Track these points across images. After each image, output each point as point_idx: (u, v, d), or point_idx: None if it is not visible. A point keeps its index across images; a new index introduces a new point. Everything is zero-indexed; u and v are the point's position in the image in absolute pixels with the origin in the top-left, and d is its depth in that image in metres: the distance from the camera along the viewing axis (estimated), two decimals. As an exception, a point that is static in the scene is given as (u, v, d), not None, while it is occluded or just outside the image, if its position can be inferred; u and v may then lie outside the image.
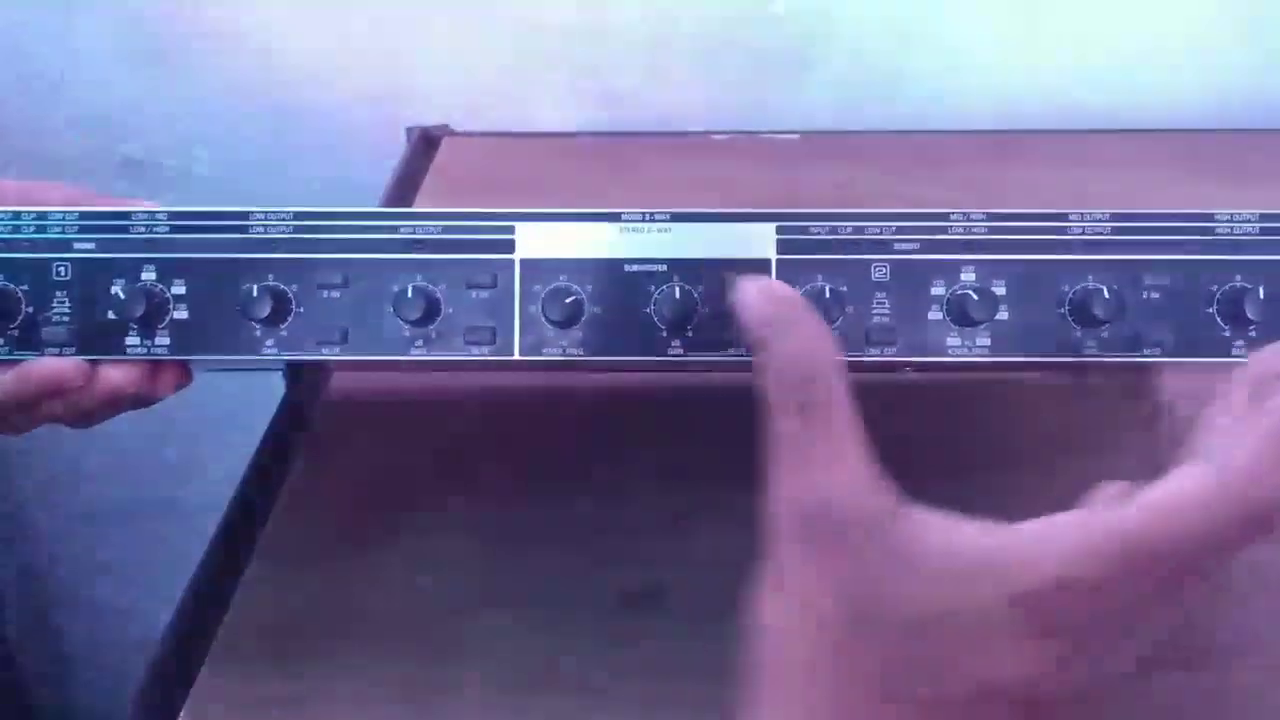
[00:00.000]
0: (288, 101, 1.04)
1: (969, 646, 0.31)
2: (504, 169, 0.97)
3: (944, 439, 0.63)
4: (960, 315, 0.43)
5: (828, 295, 0.42)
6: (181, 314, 0.44)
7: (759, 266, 0.43)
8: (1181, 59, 1.01)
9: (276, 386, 0.69)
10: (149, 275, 0.44)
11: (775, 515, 0.33)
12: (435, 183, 0.94)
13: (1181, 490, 0.31)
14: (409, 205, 0.89)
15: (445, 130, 1.03)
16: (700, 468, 0.60)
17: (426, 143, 1.01)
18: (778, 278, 0.43)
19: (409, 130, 1.02)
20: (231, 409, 1.08)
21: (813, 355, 0.33)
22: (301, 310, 0.44)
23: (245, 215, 0.44)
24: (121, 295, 0.43)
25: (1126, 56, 1.01)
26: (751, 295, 0.34)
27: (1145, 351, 0.43)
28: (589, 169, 0.96)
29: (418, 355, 0.44)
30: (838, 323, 0.43)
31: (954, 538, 0.32)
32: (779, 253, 0.43)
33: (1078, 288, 0.43)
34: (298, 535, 0.58)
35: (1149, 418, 0.64)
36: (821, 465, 0.33)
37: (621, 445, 0.63)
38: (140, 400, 0.46)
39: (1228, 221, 0.43)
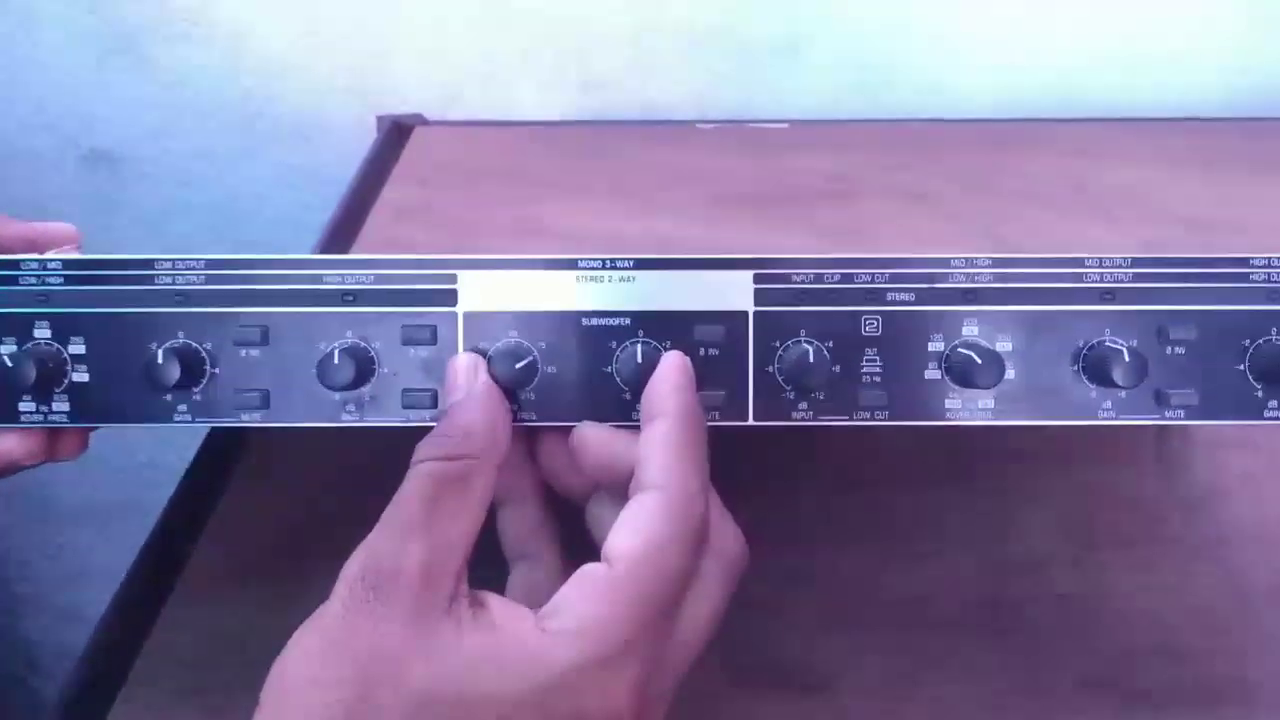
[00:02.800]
0: (258, 91, 1.01)
1: None
2: (478, 159, 0.93)
3: (942, 449, 0.59)
4: (961, 375, 0.38)
5: (811, 357, 0.37)
6: (81, 376, 0.39)
7: (735, 319, 0.39)
8: (1190, 44, 0.97)
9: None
10: (42, 333, 0.39)
11: (349, 562, 0.34)
12: (404, 174, 0.90)
13: (647, 534, 0.34)
14: (376, 197, 0.85)
15: (418, 119, 1.00)
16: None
17: (398, 132, 0.97)
18: (755, 332, 0.39)
19: (380, 119, 0.99)
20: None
21: (480, 439, 0.36)
22: (216, 371, 0.39)
23: (150, 264, 0.39)
24: (9, 359, 0.38)
25: (1132, 42, 0.98)
26: (460, 364, 0.38)
27: (1168, 414, 0.39)
28: (569, 159, 0.93)
29: (349, 421, 0.39)
30: (822, 385, 0.38)
31: (492, 635, 0.33)
32: (757, 304, 0.39)
33: (1093, 342, 0.39)
34: (228, 557, 0.54)
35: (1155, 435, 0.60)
36: (414, 530, 0.34)
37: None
38: (40, 464, 0.41)
39: (1264, 267, 0.38)
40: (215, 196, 1.05)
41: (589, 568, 0.34)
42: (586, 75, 0.99)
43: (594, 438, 0.38)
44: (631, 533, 0.34)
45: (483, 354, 0.39)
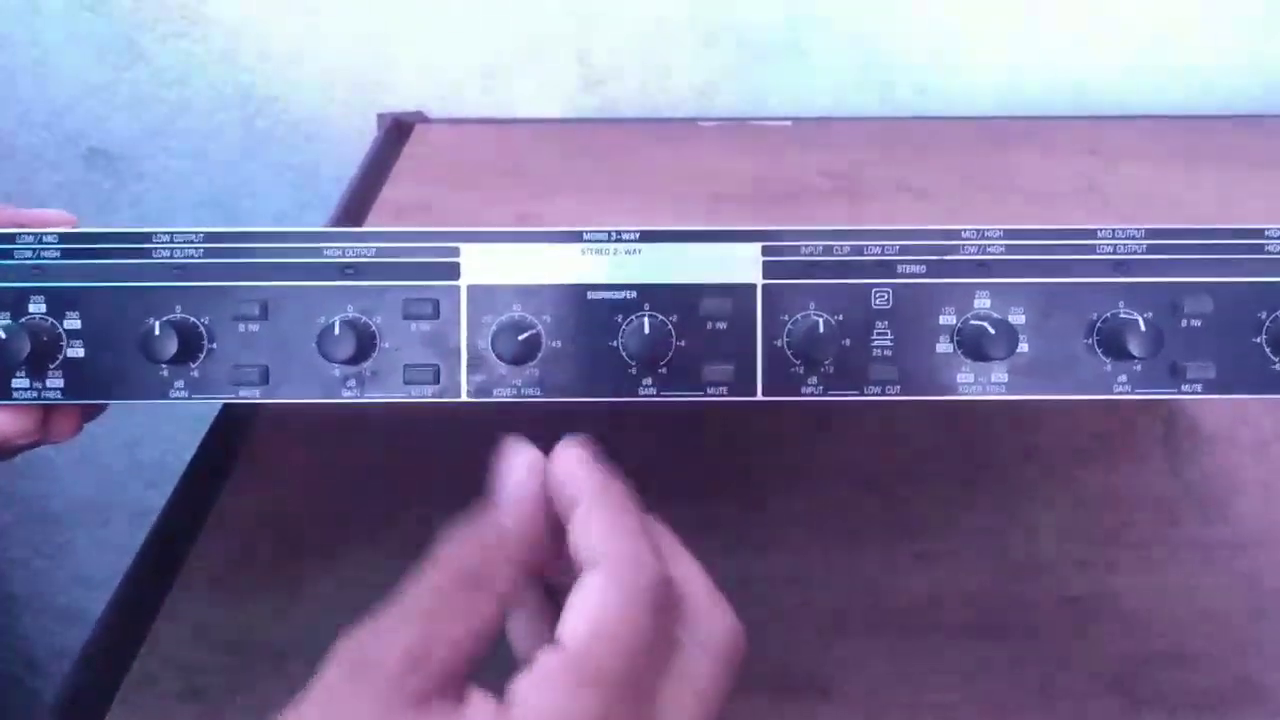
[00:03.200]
0: (257, 89, 1.00)
1: None
2: (479, 157, 0.93)
3: (951, 446, 0.59)
4: (973, 348, 0.37)
5: (821, 330, 0.37)
6: (76, 351, 0.38)
7: (743, 292, 0.38)
8: (1199, 43, 0.97)
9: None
10: (37, 307, 0.38)
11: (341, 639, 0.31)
12: (405, 171, 0.89)
13: (596, 608, 0.31)
14: (377, 195, 0.85)
15: (419, 117, 0.99)
16: (660, 481, 0.55)
17: (399, 130, 0.97)
18: (763, 305, 0.38)
19: (381, 117, 0.99)
20: (207, 408, 1.04)
21: (513, 546, 0.33)
22: (214, 346, 0.38)
23: (148, 237, 0.38)
24: (3, 332, 0.37)
25: (1140, 40, 0.97)
26: (518, 460, 0.35)
27: (1184, 388, 0.38)
28: (570, 157, 0.92)
29: (350, 397, 0.38)
30: (832, 359, 0.38)
31: None
32: (765, 276, 0.38)
33: (1107, 315, 0.38)
34: (227, 557, 0.53)
35: (1163, 432, 0.59)
36: (411, 619, 0.31)
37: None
38: (35, 445, 0.40)
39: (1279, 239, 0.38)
40: (215, 195, 1.04)
41: (542, 653, 0.32)
42: (588, 73, 0.99)
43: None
44: (579, 612, 0.32)
45: (485, 328, 0.38)
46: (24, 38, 0.98)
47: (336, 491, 0.57)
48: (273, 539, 0.54)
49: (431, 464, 0.58)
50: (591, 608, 0.31)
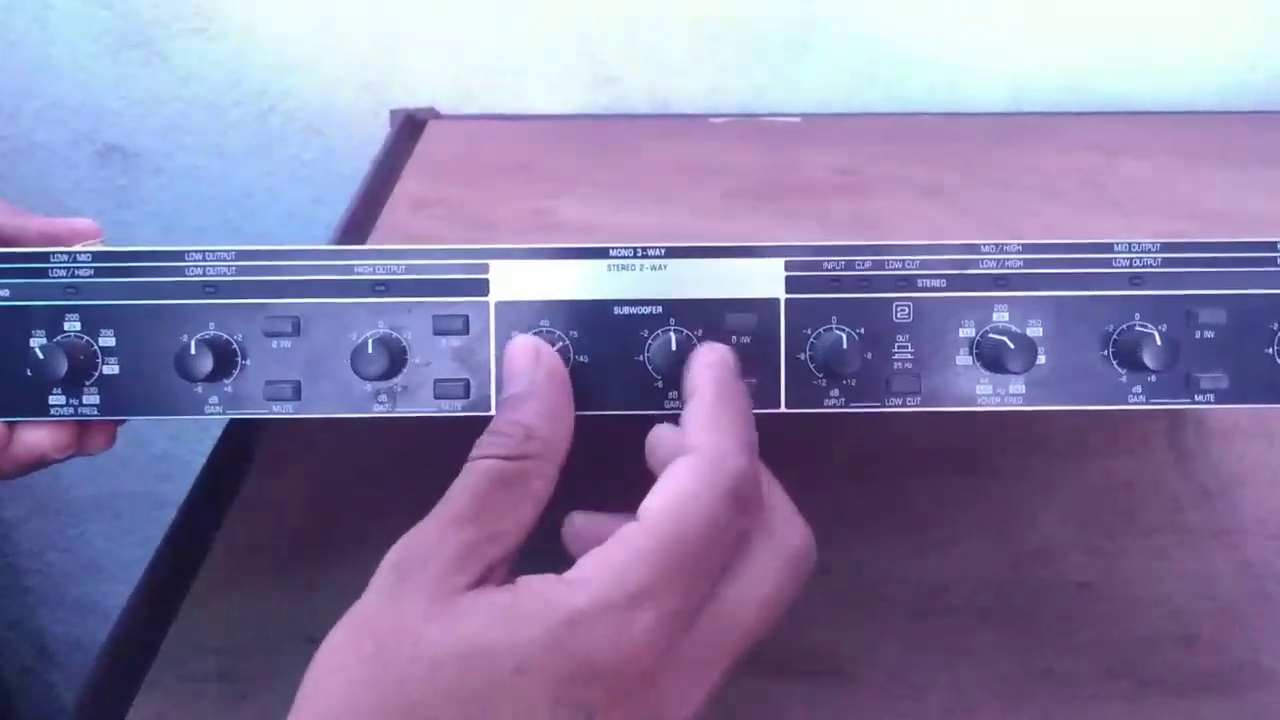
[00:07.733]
0: (271, 85, 1.01)
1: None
2: (491, 153, 0.93)
3: (960, 437, 0.59)
4: (992, 361, 0.38)
5: (844, 344, 0.37)
6: (111, 369, 0.39)
7: (766, 307, 0.39)
8: (1201, 40, 0.97)
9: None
10: (72, 325, 0.39)
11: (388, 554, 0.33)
12: (418, 168, 0.90)
13: (676, 490, 0.33)
14: (391, 191, 0.85)
15: (431, 113, 0.99)
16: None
17: (411, 126, 0.97)
18: (787, 319, 0.39)
19: (393, 113, 0.99)
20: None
21: (541, 441, 0.35)
22: (247, 363, 0.39)
23: (181, 255, 0.38)
24: (40, 351, 0.38)
25: (1144, 37, 0.97)
26: (517, 348, 0.37)
27: (1197, 398, 0.39)
28: (582, 153, 0.92)
29: (381, 411, 0.39)
30: (854, 372, 0.38)
31: (512, 594, 0.32)
32: (788, 291, 0.39)
33: (1123, 327, 0.39)
34: (251, 544, 0.54)
35: (1169, 422, 0.60)
36: (456, 523, 0.33)
37: (592, 458, 0.58)
38: (70, 458, 0.41)
39: (1294, 251, 0.38)
40: (229, 191, 1.05)
41: (621, 527, 0.33)
42: (598, 70, 0.99)
43: (659, 437, 0.37)
44: (660, 491, 0.33)
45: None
46: (40, 35, 0.98)
47: (360, 479, 0.57)
48: (296, 526, 0.54)
49: (455, 452, 0.58)
50: (672, 488, 0.33)
